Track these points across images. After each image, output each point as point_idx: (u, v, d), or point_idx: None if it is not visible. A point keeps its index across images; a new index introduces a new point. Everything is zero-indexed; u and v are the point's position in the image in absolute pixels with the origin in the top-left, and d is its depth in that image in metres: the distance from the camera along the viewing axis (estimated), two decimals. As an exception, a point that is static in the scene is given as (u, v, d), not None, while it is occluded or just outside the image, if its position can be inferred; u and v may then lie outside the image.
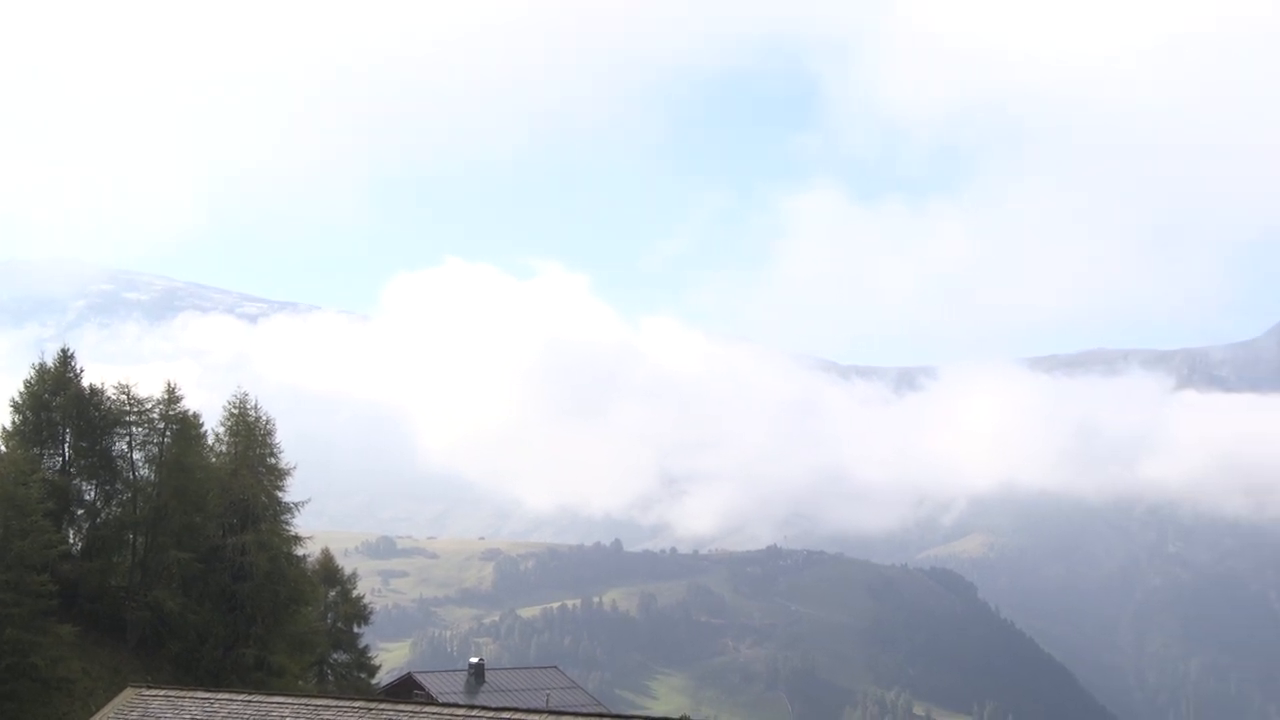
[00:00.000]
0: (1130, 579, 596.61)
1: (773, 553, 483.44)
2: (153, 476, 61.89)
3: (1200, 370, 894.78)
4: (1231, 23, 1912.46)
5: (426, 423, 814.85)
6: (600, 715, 29.12)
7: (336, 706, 30.63)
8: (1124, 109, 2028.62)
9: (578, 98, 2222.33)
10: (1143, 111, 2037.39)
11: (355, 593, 75.27)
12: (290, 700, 31.38)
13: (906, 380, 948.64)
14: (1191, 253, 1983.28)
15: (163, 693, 32.33)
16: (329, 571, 73.23)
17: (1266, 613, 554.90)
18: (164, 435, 61.93)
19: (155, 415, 62.08)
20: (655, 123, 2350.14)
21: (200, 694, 32.03)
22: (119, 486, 62.95)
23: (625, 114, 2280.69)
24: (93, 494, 63.65)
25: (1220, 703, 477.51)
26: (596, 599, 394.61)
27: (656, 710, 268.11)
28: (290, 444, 66.68)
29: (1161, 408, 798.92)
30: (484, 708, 29.58)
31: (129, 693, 32.40)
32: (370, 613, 76.23)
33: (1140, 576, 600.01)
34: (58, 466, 62.38)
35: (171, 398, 62.22)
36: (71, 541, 61.59)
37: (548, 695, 75.55)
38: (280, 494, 63.83)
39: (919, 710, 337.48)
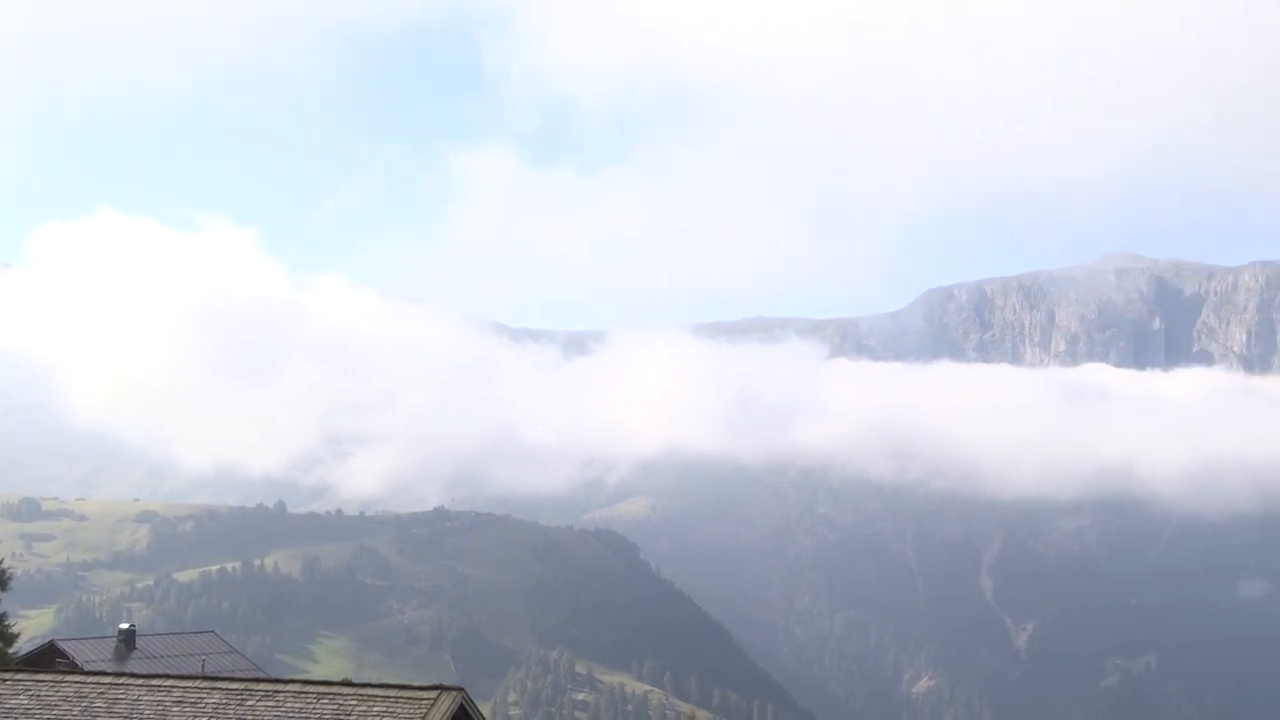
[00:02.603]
0: (783, 539, 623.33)
1: (440, 514, 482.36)
2: None
3: (851, 339, 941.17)
4: (892, 19, 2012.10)
5: (76, 379, 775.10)
6: (257, 680, 28.41)
7: (-32, 677, 28.83)
8: (790, 88, 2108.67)
9: (244, 46, 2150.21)
10: (808, 91, 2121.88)
11: (-7, 557, 70.82)
12: (-85, 672, 29.35)
13: (576, 344, 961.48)
14: (846, 228, 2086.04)
15: None
16: (-36, 535, 68.64)
17: (905, 571, 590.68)
18: None
19: None
20: (324, 77, 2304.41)
21: None
22: None
23: (293, 66, 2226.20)
24: None
25: (860, 656, 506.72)
26: (258, 562, 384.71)
27: (317, 673, 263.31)
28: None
29: (815, 375, 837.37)
30: (132, 675, 28.44)
31: None
32: (9, 578, 71.66)
33: (792, 537, 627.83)
34: None
35: None
36: None
37: (203, 661, 73.35)
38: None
39: (581, 669, 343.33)
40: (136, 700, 27.04)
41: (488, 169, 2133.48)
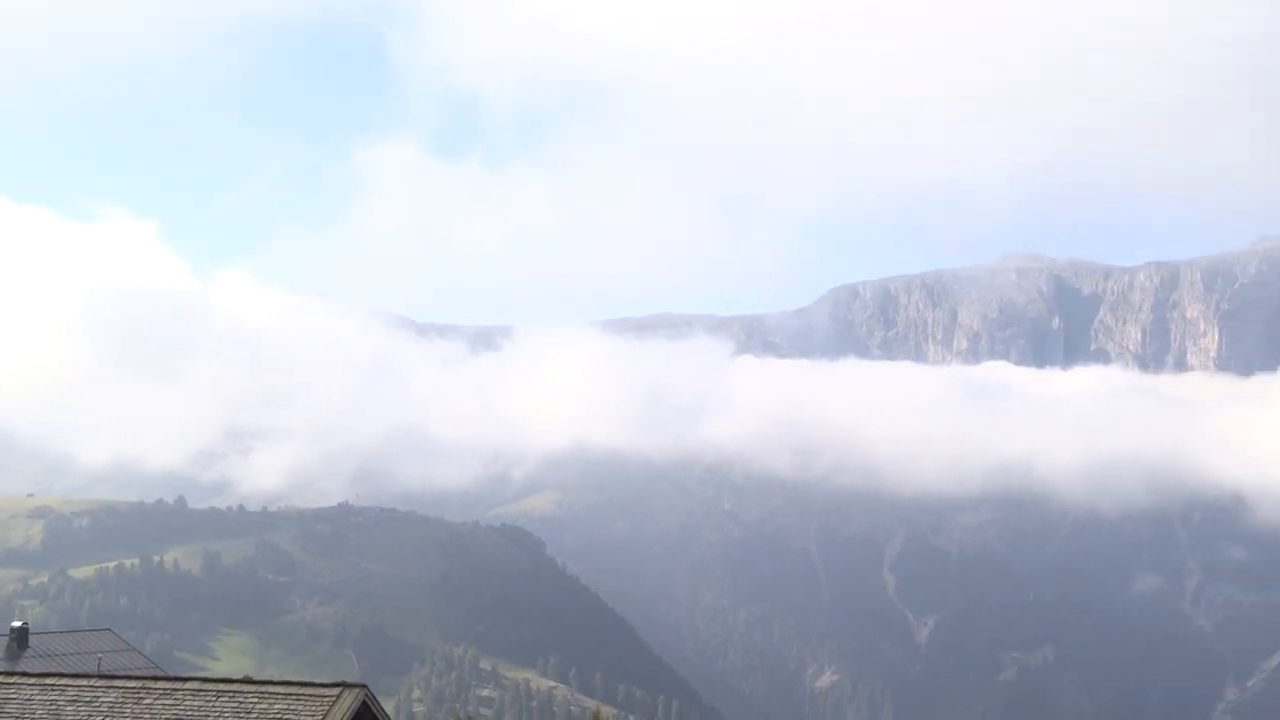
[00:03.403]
0: (688, 535, 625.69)
1: (343, 510, 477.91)
2: None
3: (757, 336, 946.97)
4: (796, 21, 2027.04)
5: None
6: (155, 678, 27.89)
7: None
8: (695, 88, 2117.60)
9: (146, 35, 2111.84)
10: (713, 90, 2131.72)
11: (-120, 554, 68.97)
12: None
13: (484, 339, 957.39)
14: (752, 226, 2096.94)
15: None
16: None
17: (807, 567, 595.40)
18: None
19: None
20: (227, 69, 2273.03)
21: None
22: None
23: (195, 57, 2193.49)
24: None
25: (763, 651, 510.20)
26: (157, 558, 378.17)
27: (218, 671, 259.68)
28: None
29: (721, 372, 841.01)
30: (25, 674, 27.79)
31: None
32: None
33: (697, 533, 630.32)
34: None
35: None
36: None
37: (99, 659, 71.94)
38: None
39: (485, 665, 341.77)
40: (29, 700, 26.42)
41: (393, 163, 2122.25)
